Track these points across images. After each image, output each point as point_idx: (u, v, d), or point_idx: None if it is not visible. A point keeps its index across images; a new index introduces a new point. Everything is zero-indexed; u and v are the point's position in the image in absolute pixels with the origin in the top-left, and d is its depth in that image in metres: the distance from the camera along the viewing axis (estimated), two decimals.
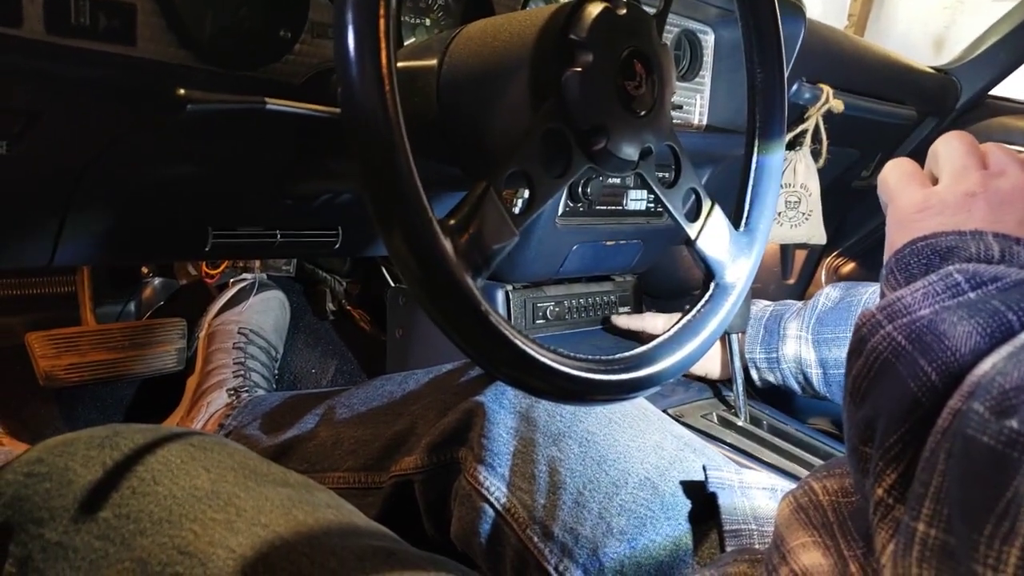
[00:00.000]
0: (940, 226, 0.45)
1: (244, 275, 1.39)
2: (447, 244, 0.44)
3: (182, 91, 0.51)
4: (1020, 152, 0.50)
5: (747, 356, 1.10)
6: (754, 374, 1.11)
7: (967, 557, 0.31)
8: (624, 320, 1.21)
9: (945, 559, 0.33)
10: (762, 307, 1.12)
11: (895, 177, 0.50)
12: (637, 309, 1.27)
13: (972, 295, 0.38)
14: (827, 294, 1.07)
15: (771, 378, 1.10)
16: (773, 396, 1.16)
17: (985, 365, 0.34)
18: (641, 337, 1.20)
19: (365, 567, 0.50)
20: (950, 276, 0.40)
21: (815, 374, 1.04)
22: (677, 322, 0.60)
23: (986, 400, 0.32)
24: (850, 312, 1.02)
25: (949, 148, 0.49)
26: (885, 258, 0.47)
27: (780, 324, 1.08)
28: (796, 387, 1.08)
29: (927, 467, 0.34)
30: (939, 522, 0.33)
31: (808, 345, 1.04)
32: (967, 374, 0.35)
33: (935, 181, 0.49)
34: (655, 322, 1.18)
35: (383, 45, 0.42)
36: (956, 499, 0.32)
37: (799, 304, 1.10)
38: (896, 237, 0.47)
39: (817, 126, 1.24)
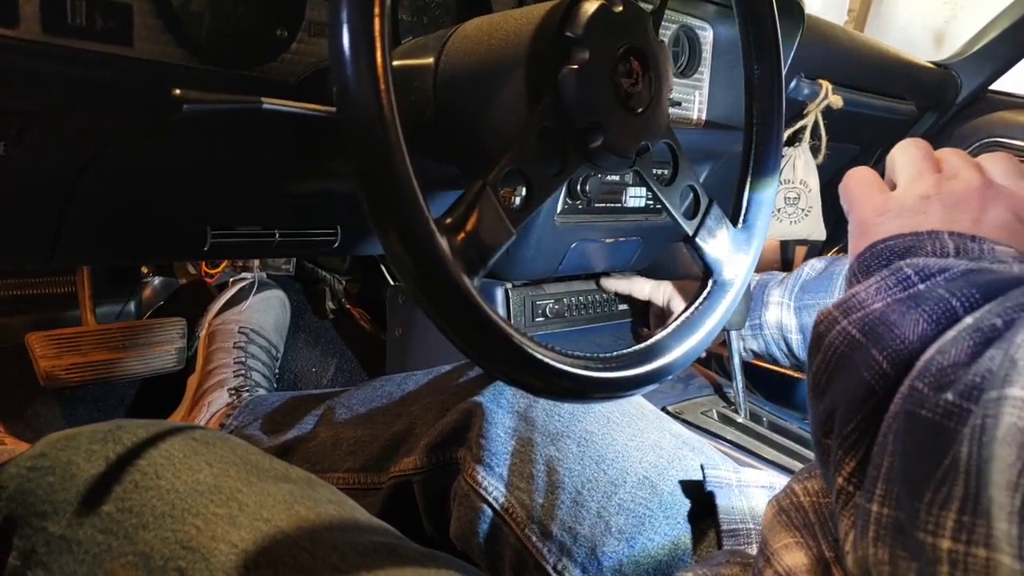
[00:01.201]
0: (899, 228, 0.46)
1: (244, 274, 1.39)
2: (443, 243, 0.44)
3: (178, 91, 0.51)
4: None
5: None
6: (738, 343, 1.12)
7: (912, 527, 0.32)
8: (612, 283, 1.22)
9: (896, 535, 0.34)
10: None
11: (855, 184, 0.52)
12: (635, 306, 1.27)
13: (921, 286, 0.39)
14: (812, 264, 1.10)
15: (754, 346, 1.12)
16: (773, 392, 1.17)
17: (931, 351, 0.35)
18: (631, 300, 1.22)
19: (367, 562, 0.50)
20: (901, 270, 0.41)
21: (795, 339, 1.06)
22: (675, 319, 0.60)
23: (926, 377, 0.33)
24: (832, 281, 1.04)
25: (905, 155, 0.51)
26: (848, 262, 0.49)
27: (764, 292, 1.11)
28: (778, 354, 1.10)
29: (880, 450, 0.35)
30: (890, 500, 0.34)
31: (789, 311, 1.07)
32: (916, 360, 0.36)
33: (894, 187, 0.50)
34: (643, 287, 1.19)
35: (378, 44, 0.42)
36: (901, 474, 0.33)
37: (784, 274, 1.11)
38: (858, 242, 0.49)
39: (816, 122, 1.24)
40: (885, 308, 0.39)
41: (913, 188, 0.48)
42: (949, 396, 0.32)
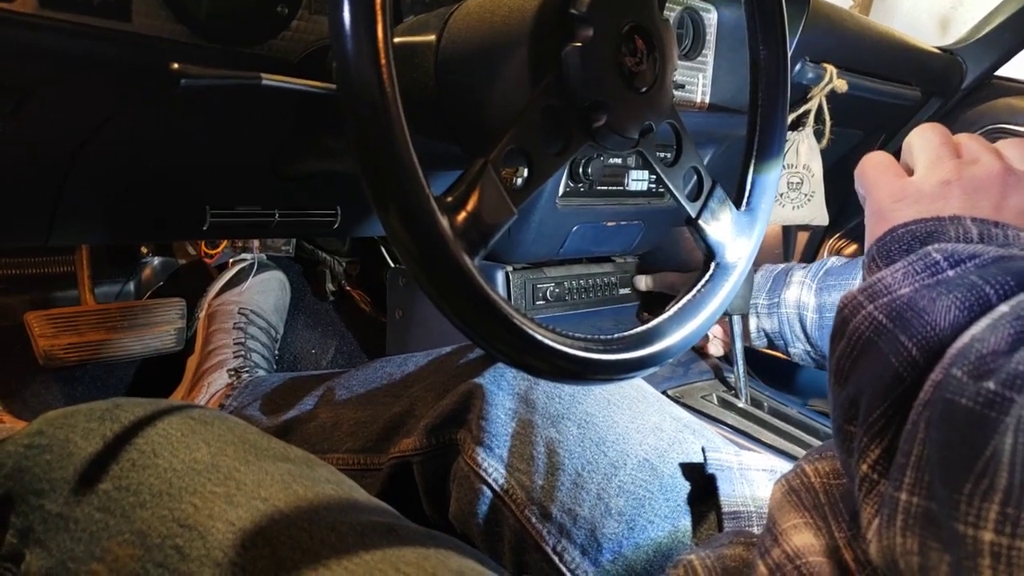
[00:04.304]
0: (918, 214, 0.45)
1: (244, 255, 1.38)
2: (444, 222, 0.43)
3: (176, 65, 0.51)
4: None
5: (750, 302, 1.13)
6: (753, 322, 1.13)
7: (948, 518, 0.31)
8: (645, 281, 1.24)
9: (927, 525, 0.33)
10: (774, 265, 1.16)
11: (871, 169, 0.51)
12: (636, 292, 1.27)
13: (951, 272, 0.39)
14: (837, 257, 1.12)
15: (767, 325, 1.13)
16: (774, 377, 1.16)
17: (965, 338, 0.35)
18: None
19: (365, 542, 0.50)
20: (929, 255, 0.40)
21: (811, 318, 1.07)
22: (676, 302, 0.60)
23: (964, 365, 0.33)
24: (858, 268, 1.07)
25: (923, 139, 0.50)
26: (866, 247, 0.48)
27: (787, 273, 1.12)
28: (789, 336, 1.11)
29: (909, 438, 0.35)
30: (921, 489, 0.34)
31: (810, 291, 1.08)
32: (948, 348, 0.35)
33: (911, 172, 0.50)
34: (672, 279, 1.21)
35: (379, 19, 0.41)
36: (936, 463, 0.33)
37: (807, 264, 1.14)
38: (875, 228, 0.48)
39: (820, 106, 1.23)
40: (913, 294, 0.39)
41: (933, 174, 0.47)
42: (991, 385, 0.31)
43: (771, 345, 1.15)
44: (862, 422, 0.38)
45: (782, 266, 1.14)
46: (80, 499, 0.54)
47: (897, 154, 0.52)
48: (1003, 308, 0.35)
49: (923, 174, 0.48)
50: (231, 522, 0.50)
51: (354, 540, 0.50)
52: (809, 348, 1.10)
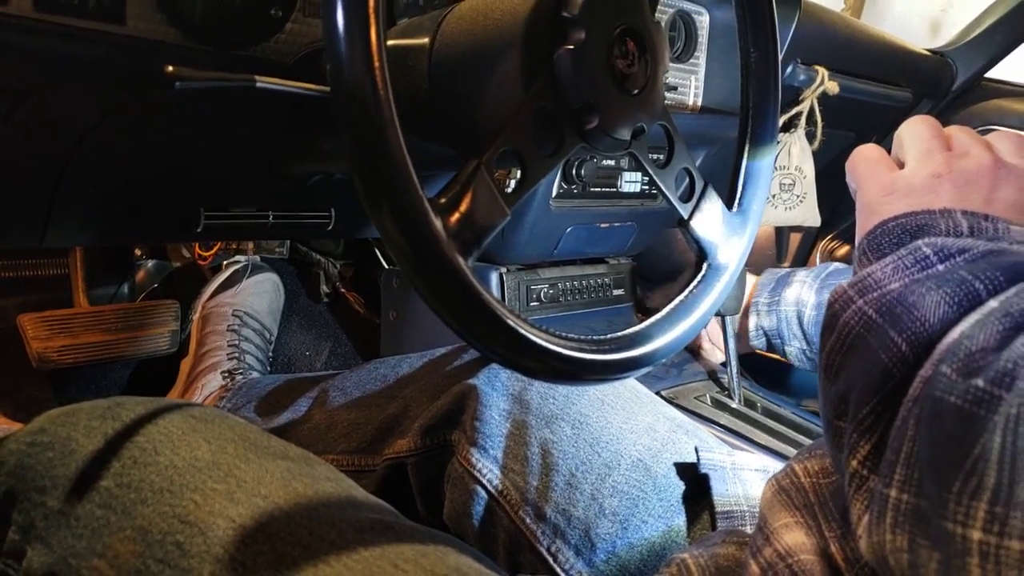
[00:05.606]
0: (908, 207, 0.45)
1: (238, 257, 1.39)
2: (438, 223, 0.44)
3: (171, 68, 0.51)
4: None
5: (752, 300, 1.15)
6: (752, 320, 1.14)
7: (937, 516, 0.31)
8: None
9: (917, 522, 0.33)
10: (780, 268, 1.18)
11: (862, 163, 0.51)
12: (632, 292, 1.27)
13: (940, 267, 0.39)
14: (842, 263, 1.14)
15: (766, 323, 1.14)
16: (767, 377, 1.17)
17: (954, 334, 0.35)
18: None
19: (363, 539, 0.50)
20: (919, 250, 0.40)
21: (809, 315, 1.08)
22: (669, 303, 0.60)
23: (953, 362, 0.33)
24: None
25: (913, 132, 0.50)
26: (856, 241, 0.48)
27: (790, 274, 1.13)
28: (787, 333, 1.11)
29: (898, 435, 0.35)
30: (910, 486, 0.34)
31: (811, 289, 1.09)
32: (937, 343, 0.35)
33: (902, 166, 0.50)
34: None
35: (373, 20, 0.41)
36: (926, 461, 0.33)
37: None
38: (866, 221, 0.48)
39: (812, 108, 1.24)
40: (903, 289, 0.38)
41: (923, 167, 0.47)
42: (979, 383, 0.31)
43: (769, 345, 1.16)
44: (852, 418, 0.38)
45: (788, 269, 1.15)
46: (81, 496, 0.55)
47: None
48: (992, 304, 0.35)
49: (913, 167, 0.48)
50: (231, 519, 0.51)
51: (353, 537, 0.50)
52: (805, 346, 1.10)
